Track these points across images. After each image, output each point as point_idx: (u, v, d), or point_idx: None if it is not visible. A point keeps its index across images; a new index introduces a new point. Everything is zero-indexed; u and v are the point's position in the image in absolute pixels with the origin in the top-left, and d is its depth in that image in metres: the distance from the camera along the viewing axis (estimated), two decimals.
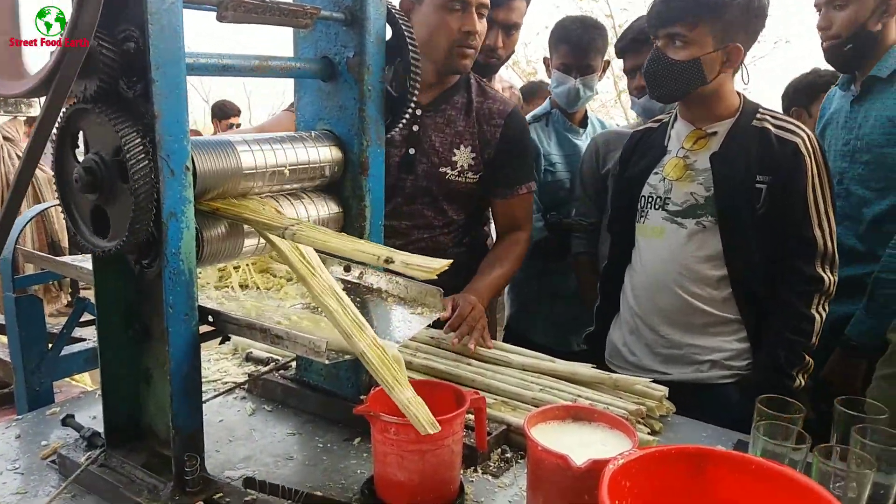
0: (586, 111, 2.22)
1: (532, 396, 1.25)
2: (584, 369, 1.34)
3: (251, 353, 1.51)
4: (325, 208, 1.13)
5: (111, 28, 0.83)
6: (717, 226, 1.53)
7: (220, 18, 0.92)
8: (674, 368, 1.58)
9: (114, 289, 0.97)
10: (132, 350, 0.99)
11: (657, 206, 1.59)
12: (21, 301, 1.34)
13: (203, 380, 1.41)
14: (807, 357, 1.50)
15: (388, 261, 0.92)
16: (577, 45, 2.03)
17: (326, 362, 0.86)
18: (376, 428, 0.97)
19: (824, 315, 1.51)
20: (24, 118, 4.82)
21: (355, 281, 1.16)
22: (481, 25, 1.61)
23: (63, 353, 1.44)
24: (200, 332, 0.98)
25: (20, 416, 1.27)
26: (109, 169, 0.85)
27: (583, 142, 2.14)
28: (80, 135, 0.89)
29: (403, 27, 1.13)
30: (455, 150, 1.68)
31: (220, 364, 1.51)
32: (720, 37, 1.48)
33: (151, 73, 0.82)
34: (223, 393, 1.35)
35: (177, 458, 0.94)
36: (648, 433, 1.19)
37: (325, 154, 1.12)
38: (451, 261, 0.93)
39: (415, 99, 1.16)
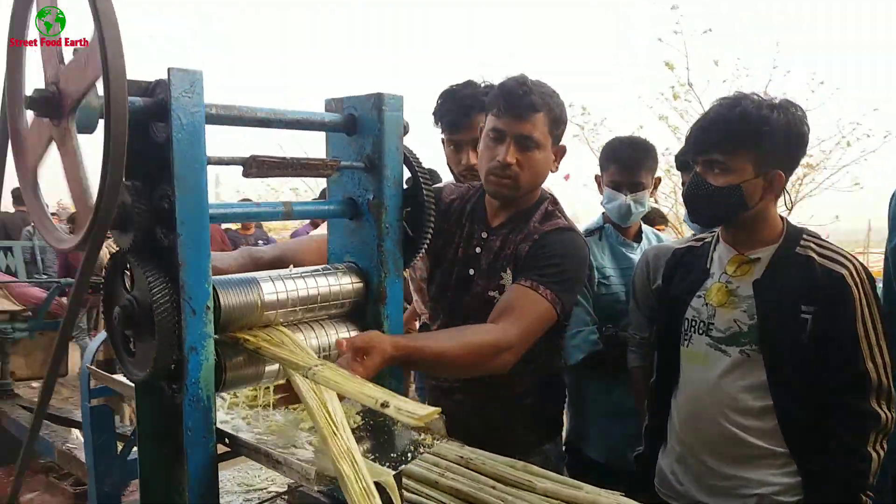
0: (640, 225, 2.26)
1: None
2: (606, 499, 1.33)
3: None
4: (347, 333, 1.24)
5: (152, 189, 1.00)
6: (760, 355, 1.50)
7: (246, 175, 1.07)
8: (720, 501, 1.53)
9: (152, 410, 1.10)
10: (168, 465, 1.11)
11: (700, 332, 1.58)
12: (94, 410, 1.51)
13: (251, 487, 1.53)
14: (864, 498, 1.42)
15: (385, 405, 0.99)
16: (625, 164, 2.10)
17: (315, 489, 0.93)
18: None
19: (882, 454, 1.44)
20: None
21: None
22: (522, 157, 1.61)
23: (131, 456, 1.60)
24: (222, 451, 1.09)
25: None
26: (142, 308, 0.99)
27: (637, 255, 2.18)
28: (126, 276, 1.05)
29: (418, 172, 1.25)
30: (503, 273, 1.66)
31: (269, 472, 1.61)
32: (760, 164, 1.49)
33: (177, 228, 0.96)
34: (264, 502, 1.44)
35: None
36: None
37: (347, 285, 1.23)
38: (439, 409, 0.99)
39: (428, 240, 1.26)
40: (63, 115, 0.88)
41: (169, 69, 0.94)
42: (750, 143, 1.48)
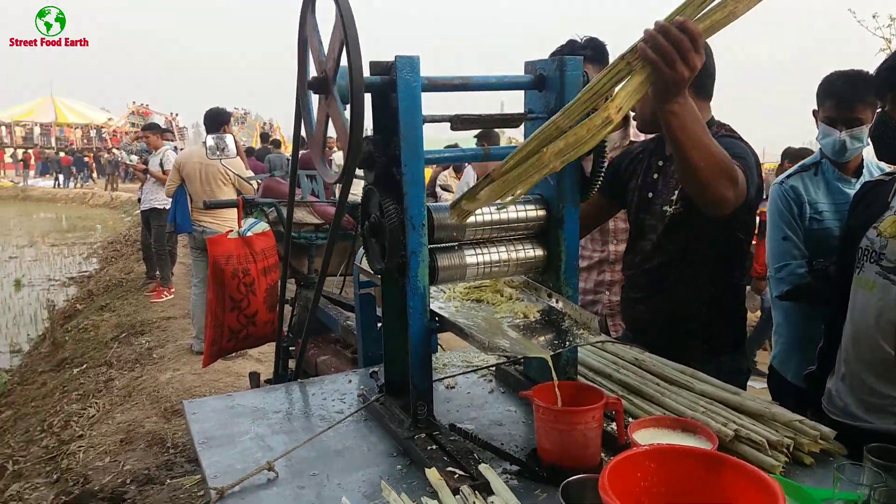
0: (862, 160, 2.23)
1: (692, 416, 1.50)
2: (751, 402, 1.53)
3: None
4: (532, 251, 1.58)
5: (388, 140, 1.41)
6: None
7: (453, 129, 1.44)
8: (875, 418, 1.63)
9: (391, 294, 1.57)
10: (403, 334, 1.56)
11: (872, 260, 1.66)
12: (362, 297, 2.06)
13: (470, 364, 1.97)
14: None
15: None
16: (841, 99, 2.09)
17: (487, 353, 1.32)
18: (534, 408, 1.39)
19: None
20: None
21: (554, 305, 1.57)
22: None
23: None
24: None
25: (356, 370, 1.99)
26: (381, 223, 1.44)
27: (854, 190, 2.17)
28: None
29: None
30: (675, 190, 1.92)
31: (486, 356, 2.03)
32: None
33: (402, 168, 1.37)
34: (474, 370, 1.88)
35: (413, 404, 1.49)
36: (784, 462, 1.36)
37: (532, 212, 1.56)
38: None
39: (600, 182, 1.52)
40: (329, 92, 1.33)
41: (396, 56, 1.33)
42: None
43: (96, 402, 5.09)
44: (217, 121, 5.60)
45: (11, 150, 37.05)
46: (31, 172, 33.51)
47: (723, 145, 1.71)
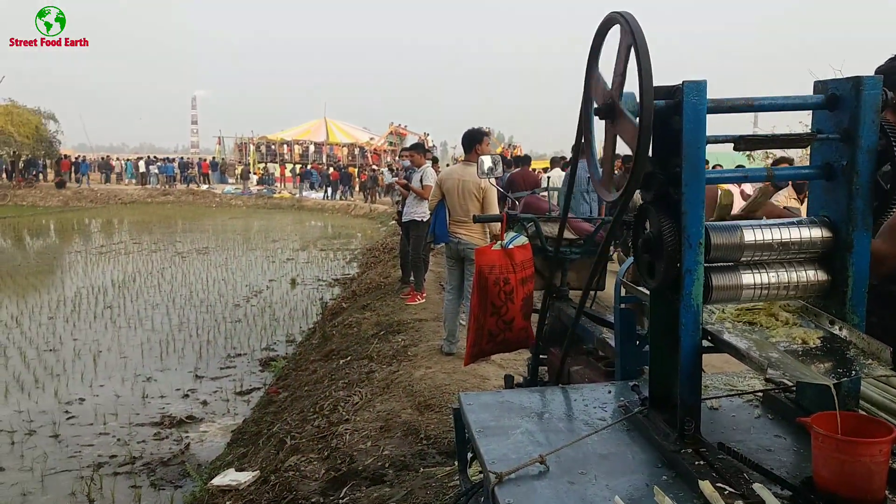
0: None
1: None
2: None
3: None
4: (815, 275, 1.53)
5: (667, 161, 1.47)
6: None
7: (736, 149, 1.46)
8: None
9: (661, 310, 1.61)
10: (668, 352, 1.60)
11: None
12: (623, 312, 2.11)
13: (734, 388, 1.94)
14: None
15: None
16: None
17: (764, 378, 1.31)
18: (812, 435, 1.35)
19: None
20: None
21: (837, 333, 1.51)
22: None
23: (644, 349, 2.17)
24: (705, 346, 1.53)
25: (614, 382, 2.04)
26: (656, 241, 1.49)
27: None
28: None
29: (892, 139, 1.43)
30: None
31: (751, 381, 1.99)
32: None
33: (682, 188, 1.42)
34: (739, 394, 1.85)
35: (680, 418, 1.52)
36: None
37: (817, 235, 1.52)
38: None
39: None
40: (616, 117, 1.42)
41: (683, 82, 1.39)
42: None
43: (359, 391, 5.67)
44: (473, 140, 5.98)
45: (291, 164, 42.24)
46: (305, 185, 37.90)
47: None
